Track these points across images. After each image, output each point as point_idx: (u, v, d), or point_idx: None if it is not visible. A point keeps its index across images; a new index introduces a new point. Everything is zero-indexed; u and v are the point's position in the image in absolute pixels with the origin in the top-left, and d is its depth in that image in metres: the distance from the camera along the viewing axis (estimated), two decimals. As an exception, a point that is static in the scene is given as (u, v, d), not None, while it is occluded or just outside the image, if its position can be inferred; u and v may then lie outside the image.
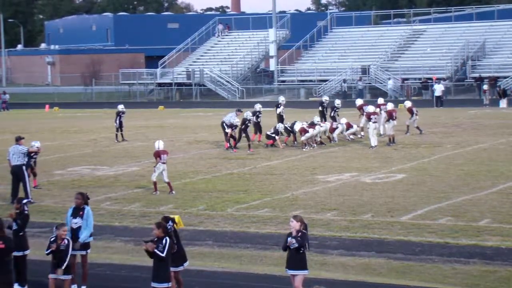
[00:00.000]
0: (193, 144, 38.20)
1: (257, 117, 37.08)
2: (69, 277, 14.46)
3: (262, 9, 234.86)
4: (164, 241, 13.42)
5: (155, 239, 13.52)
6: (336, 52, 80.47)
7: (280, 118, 38.59)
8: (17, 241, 15.00)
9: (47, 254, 14.52)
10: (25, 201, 16.24)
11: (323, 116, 39.76)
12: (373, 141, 34.58)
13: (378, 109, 37.52)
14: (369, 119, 35.12)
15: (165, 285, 13.57)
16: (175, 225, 14.54)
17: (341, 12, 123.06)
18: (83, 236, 15.32)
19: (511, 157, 30.76)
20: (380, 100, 39.80)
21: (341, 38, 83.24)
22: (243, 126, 35.66)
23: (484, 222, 20.08)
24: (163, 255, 13.37)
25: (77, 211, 15.47)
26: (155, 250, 13.37)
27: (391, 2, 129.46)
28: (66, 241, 14.39)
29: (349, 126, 37.46)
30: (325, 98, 42.35)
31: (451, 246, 18.04)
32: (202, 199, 24.33)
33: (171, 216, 14.75)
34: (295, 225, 13.72)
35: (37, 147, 27.05)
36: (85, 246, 15.52)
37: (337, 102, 40.80)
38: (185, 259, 14.82)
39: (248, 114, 36.06)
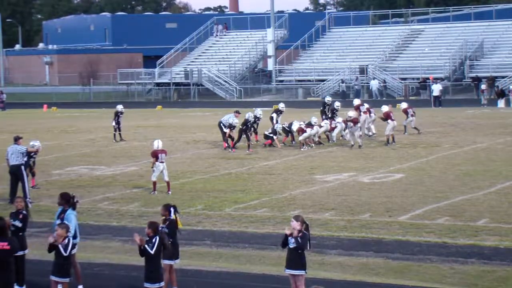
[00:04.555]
0: (191, 144, 38.19)
1: (255, 121, 36.74)
2: (67, 279, 14.31)
3: (260, 9, 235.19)
4: (154, 240, 13.70)
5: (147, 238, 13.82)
6: (334, 52, 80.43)
7: (273, 121, 38.18)
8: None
9: (49, 251, 14.29)
10: (23, 201, 16.19)
11: (325, 116, 39.31)
12: (360, 141, 34.71)
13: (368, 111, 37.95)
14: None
15: (157, 285, 13.73)
16: (176, 216, 15.05)
17: (339, 12, 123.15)
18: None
19: (509, 157, 30.77)
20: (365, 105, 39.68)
21: (339, 38, 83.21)
22: (244, 127, 35.59)
23: (482, 222, 20.09)
24: (152, 252, 13.59)
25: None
26: (145, 246, 13.60)
27: (389, 1, 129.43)
28: (66, 241, 14.21)
29: (345, 123, 37.43)
30: (328, 99, 41.54)
31: (449, 246, 18.04)
32: (200, 199, 24.33)
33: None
34: (295, 225, 13.55)
35: (37, 147, 27.02)
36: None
37: (337, 104, 40.21)
38: (177, 255, 15.16)
39: (250, 115, 35.94)
